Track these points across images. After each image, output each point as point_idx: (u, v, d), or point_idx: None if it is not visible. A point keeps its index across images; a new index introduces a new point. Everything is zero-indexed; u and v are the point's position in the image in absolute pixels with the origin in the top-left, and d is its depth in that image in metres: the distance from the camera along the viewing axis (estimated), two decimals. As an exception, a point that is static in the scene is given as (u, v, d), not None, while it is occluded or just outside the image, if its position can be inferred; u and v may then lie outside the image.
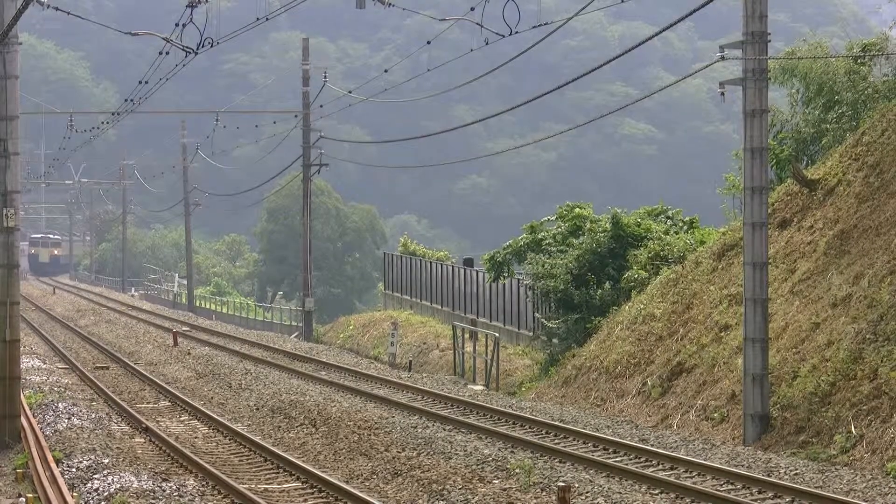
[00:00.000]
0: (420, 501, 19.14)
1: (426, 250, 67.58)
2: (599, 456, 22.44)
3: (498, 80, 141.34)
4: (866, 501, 18.27)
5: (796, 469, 20.62)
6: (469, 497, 18.88)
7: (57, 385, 34.03)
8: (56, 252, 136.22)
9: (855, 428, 21.95)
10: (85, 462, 21.94)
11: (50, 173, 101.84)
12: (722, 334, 28.72)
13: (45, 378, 35.66)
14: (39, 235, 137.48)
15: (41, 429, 25.71)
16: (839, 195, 28.67)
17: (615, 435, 24.59)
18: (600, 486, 19.68)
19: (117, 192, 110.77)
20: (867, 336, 23.37)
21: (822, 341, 24.59)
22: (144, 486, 19.87)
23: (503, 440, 24.15)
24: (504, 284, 45.35)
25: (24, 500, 19.35)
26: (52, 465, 21.20)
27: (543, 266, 38.17)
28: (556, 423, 25.86)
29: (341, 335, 59.75)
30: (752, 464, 21.29)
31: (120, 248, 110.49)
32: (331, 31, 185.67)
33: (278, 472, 21.95)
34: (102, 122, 57.42)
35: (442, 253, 69.80)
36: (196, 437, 26.04)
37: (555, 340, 37.84)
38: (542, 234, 41.65)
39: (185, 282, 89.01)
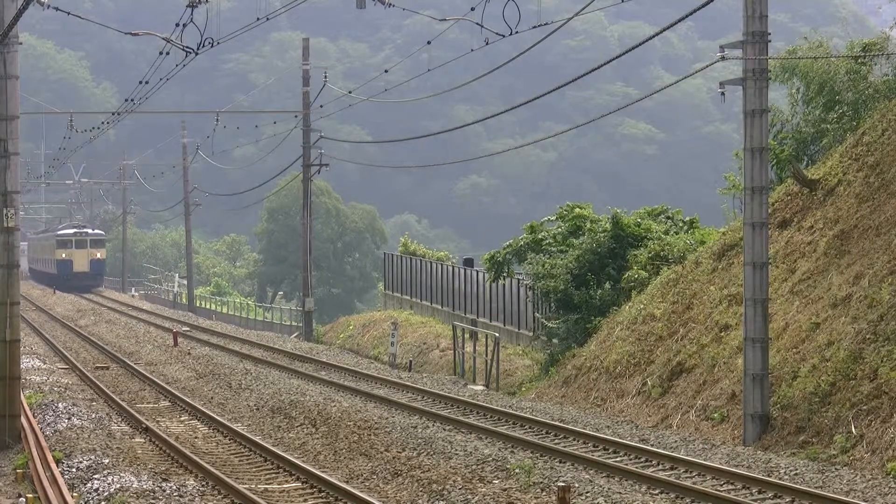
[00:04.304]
0: (420, 501, 19.13)
1: (426, 250, 67.59)
2: (599, 456, 22.45)
3: (498, 80, 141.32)
4: (866, 501, 18.27)
5: (796, 469, 20.61)
6: (469, 497, 18.87)
7: (57, 385, 34.02)
8: (99, 255, 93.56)
9: (855, 428, 21.95)
10: (85, 462, 21.94)
11: (50, 173, 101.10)
12: (722, 334, 28.72)
13: (45, 378, 35.66)
14: (71, 231, 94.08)
15: (41, 429, 25.71)
16: (839, 195, 28.67)
17: (615, 435, 24.60)
18: (600, 486, 19.68)
19: (117, 192, 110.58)
20: (867, 336, 23.37)
21: (823, 341, 24.59)
22: (144, 486, 19.87)
23: (503, 440, 24.15)
24: (504, 284, 45.34)
25: (24, 500, 19.36)
26: (52, 465, 21.21)
27: (543, 266, 38.16)
28: (556, 423, 25.86)
29: (341, 335, 59.74)
30: (752, 464, 21.29)
31: (120, 249, 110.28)
32: (331, 31, 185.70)
33: (278, 472, 21.95)
34: (102, 122, 57.34)
35: (442, 253, 69.83)
36: (196, 437, 26.03)
37: (555, 340, 37.83)
38: (542, 234, 41.64)
39: (185, 282, 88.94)
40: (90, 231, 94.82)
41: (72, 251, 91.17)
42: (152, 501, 19.05)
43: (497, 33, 26.42)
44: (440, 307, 55.23)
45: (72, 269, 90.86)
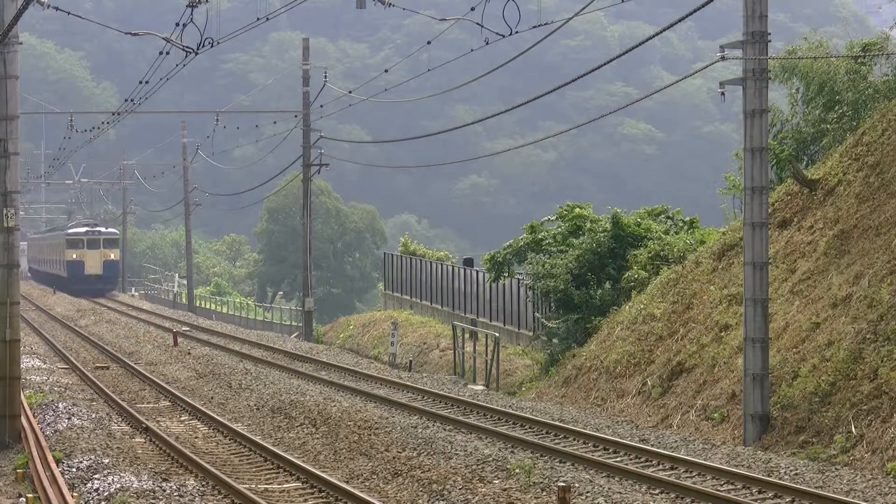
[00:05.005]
0: (420, 501, 19.13)
1: (426, 250, 67.60)
2: (599, 456, 22.45)
3: (498, 80, 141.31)
4: (866, 501, 18.27)
5: (796, 469, 20.62)
6: (469, 497, 18.88)
7: (57, 385, 34.02)
8: (113, 256, 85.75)
9: (855, 428, 21.95)
10: (85, 462, 21.94)
11: (50, 173, 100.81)
12: (722, 334, 28.72)
13: (45, 378, 35.66)
14: (83, 230, 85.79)
15: (41, 429, 25.71)
16: (839, 195, 28.67)
17: (615, 435, 24.60)
18: (600, 486, 19.69)
19: (117, 192, 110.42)
20: (867, 336, 23.38)
21: (822, 341, 24.59)
22: (144, 486, 19.87)
23: (503, 440, 24.15)
24: (504, 284, 45.34)
25: (24, 500, 19.36)
26: (53, 465, 21.21)
27: (543, 266, 38.17)
28: (556, 423, 25.86)
29: (341, 335, 59.74)
30: (752, 464, 21.29)
31: (120, 248, 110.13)
32: (331, 31, 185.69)
33: (278, 472, 21.95)
34: (102, 122, 57.36)
35: (442, 253, 69.84)
36: (196, 437, 26.04)
37: (555, 340, 37.84)
38: (542, 234, 41.64)
39: (185, 282, 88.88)
40: (103, 230, 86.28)
41: (83, 251, 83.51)
42: (152, 501, 19.05)
43: (497, 33, 26.43)
44: (440, 307, 55.24)
45: (83, 271, 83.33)
